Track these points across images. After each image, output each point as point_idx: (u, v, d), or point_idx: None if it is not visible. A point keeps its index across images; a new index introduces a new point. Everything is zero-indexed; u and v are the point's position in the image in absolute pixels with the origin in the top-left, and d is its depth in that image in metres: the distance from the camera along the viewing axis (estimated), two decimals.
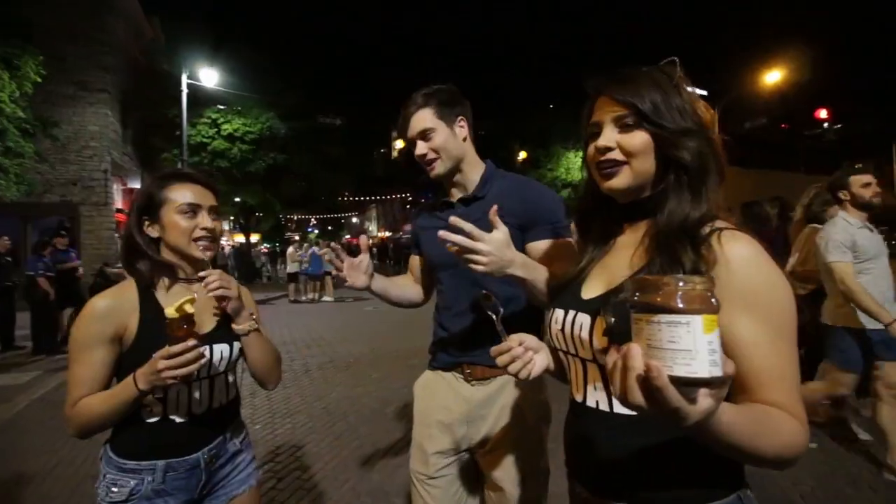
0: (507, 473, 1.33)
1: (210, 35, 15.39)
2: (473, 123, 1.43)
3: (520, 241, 1.30)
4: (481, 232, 1.01)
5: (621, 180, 0.80)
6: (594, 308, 0.79)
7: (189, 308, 1.00)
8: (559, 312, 0.87)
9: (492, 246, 1.01)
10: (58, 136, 10.39)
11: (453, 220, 1.02)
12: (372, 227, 55.08)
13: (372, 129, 24.29)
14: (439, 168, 1.37)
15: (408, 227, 36.00)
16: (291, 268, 12.75)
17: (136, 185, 17.44)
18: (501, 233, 1.04)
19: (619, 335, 0.72)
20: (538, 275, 1.14)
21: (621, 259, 0.83)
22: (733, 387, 0.65)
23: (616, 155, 0.79)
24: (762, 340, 0.66)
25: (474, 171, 1.42)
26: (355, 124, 22.03)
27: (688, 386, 0.49)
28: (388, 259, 20.94)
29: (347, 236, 52.74)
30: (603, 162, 0.80)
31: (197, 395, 1.15)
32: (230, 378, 1.25)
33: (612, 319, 0.73)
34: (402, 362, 5.38)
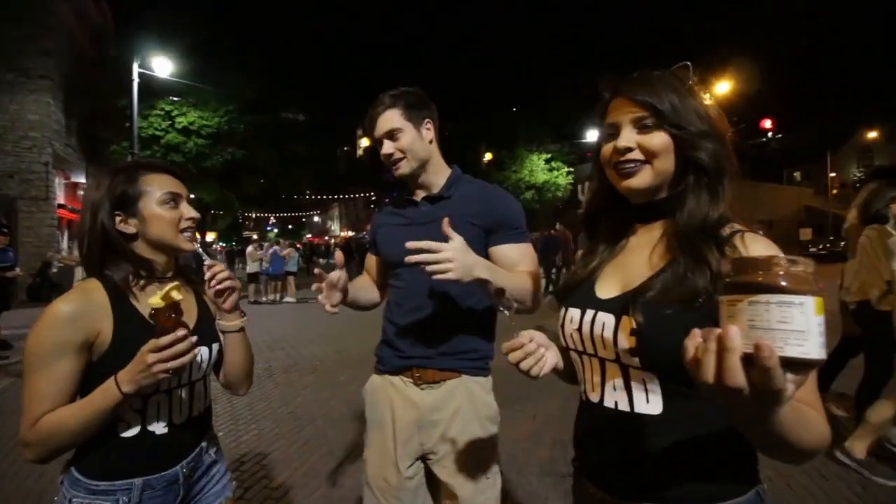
0: (462, 480, 1.32)
1: (164, 21, 14.62)
2: (439, 124, 1.46)
3: (483, 243, 1.34)
4: (439, 243, 1.06)
5: (642, 179, 0.80)
6: (616, 307, 0.79)
7: (176, 295, 0.92)
8: (574, 312, 0.86)
9: (453, 252, 1.06)
10: None
11: (410, 244, 1.06)
12: (334, 226, 54.19)
13: (336, 127, 23.83)
14: (405, 168, 1.38)
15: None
16: (251, 268, 12.33)
17: (81, 179, 16.42)
18: (457, 241, 1.08)
19: (647, 335, 0.73)
20: (501, 277, 1.18)
21: (638, 259, 0.83)
22: None
23: (636, 155, 0.80)
24: None
25: (439, 173, 1.44)
26: (319, 121, 21.55)
27: (792, 367, 0.48)
28: (353, 257, 20.74)
29: (309, 235, 51.66)
30: (622, 162, 0.81)
31: (177, 402, 1.08)
32: (206, 383, 1.18)
33: (641, 319, 0.73)
34: (370, 364, 5.26)
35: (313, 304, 11.47)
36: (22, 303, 8.22)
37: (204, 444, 1.16)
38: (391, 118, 1.36)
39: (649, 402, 0.76)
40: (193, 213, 1.12)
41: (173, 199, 1.09)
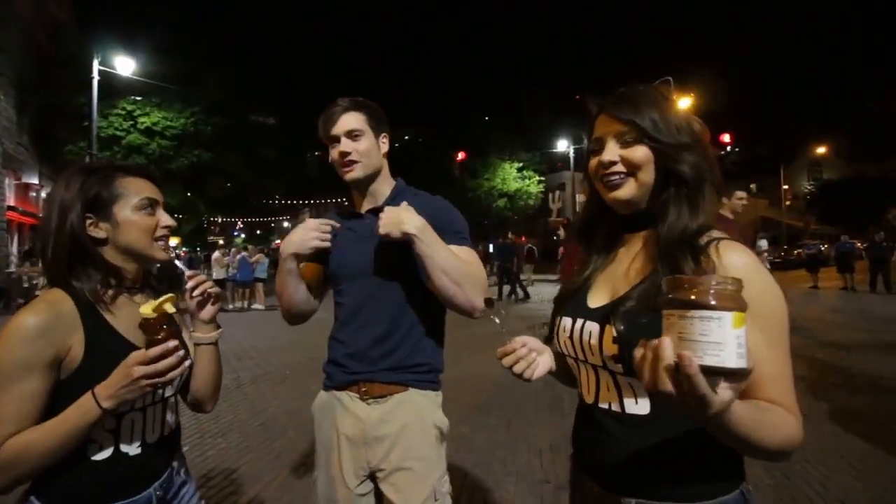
0: (409, 498, 1.29)
1: (127, 18, 14.14)
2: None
3: None
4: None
5: (626, 191, 0.84)
6: (601, 316, 0.83)
7: (169, 308, 0.89)
8: (567, 321, 0.90)
9: (384, 212, 1.20)
10: None
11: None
12: None
13: (307, 130, 23.50)
14: (358, 171, 1.38)
15: None
16: (218, 274, 11.96)
17: (34, 179, 15.60)
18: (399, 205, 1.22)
19: (627, 342, 0.76)
20: (435, 242, 1.22)
21: (624, 268, 0.88)
22: None
23: (620, 168, 0.84)
24: (757, 344, 0.70)
25: (386, 185, 1.47)
26: (289, 124, 21.20)
27: (714, 375, 0.54)
28: None
29: (278, 241, 50.54)
30: (608, 175, 0.85)
31: (151, 420, 1.02)
32: (177, 399, 1.13)
33: (621, 327, 0.77)
34: None
35: None
36: None
37: (175, 463, 1.10)
38: (354, 119, 1.36)
39: (638, 404, 0.81)
40: (170, 221, 1.07)
41: (150, 205, 1.04)
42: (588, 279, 0.93)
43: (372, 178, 1.41)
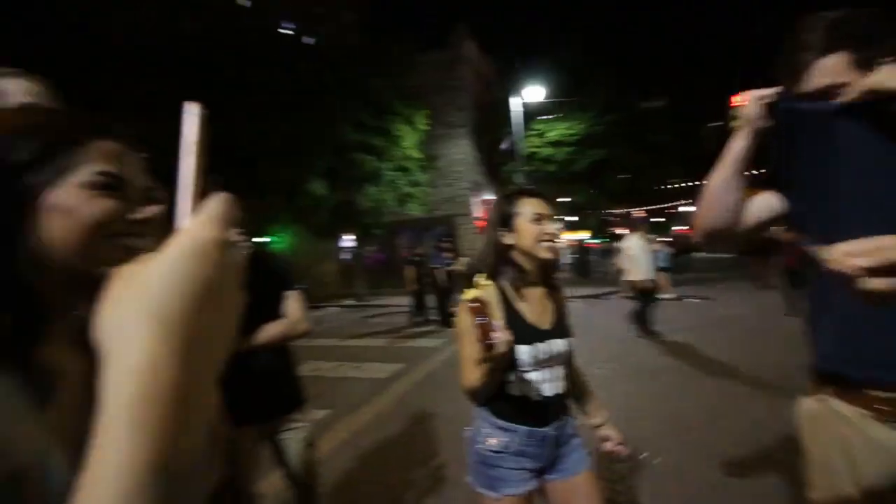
0: None
1: (532, 57, 16.98)
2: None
3: None
4: None
5: None
6: None
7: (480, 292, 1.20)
8: None
9: None
10: (437, 167, 13.72)
11: None
12: None
13: (697, 106, 21.26)
14: None
15: None
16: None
17: (490, 196, 21.14)
18: None
19: None
20: None
21: None
22: None
23: None
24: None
25: None
26: (679, 105, 19.87)
27: None
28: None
29: (677, 228, 47.73)
30: None
31: (545, 381, 1.32)
32: (566, 371, 1.40)
33: None
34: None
35: (696, 302, 10.57)
36: None
37: (567, 418, 1.40)
38: None
39: None
40: (551, 230, 1.35)
41: (538, 218, 1.35)
42: None
43: None
